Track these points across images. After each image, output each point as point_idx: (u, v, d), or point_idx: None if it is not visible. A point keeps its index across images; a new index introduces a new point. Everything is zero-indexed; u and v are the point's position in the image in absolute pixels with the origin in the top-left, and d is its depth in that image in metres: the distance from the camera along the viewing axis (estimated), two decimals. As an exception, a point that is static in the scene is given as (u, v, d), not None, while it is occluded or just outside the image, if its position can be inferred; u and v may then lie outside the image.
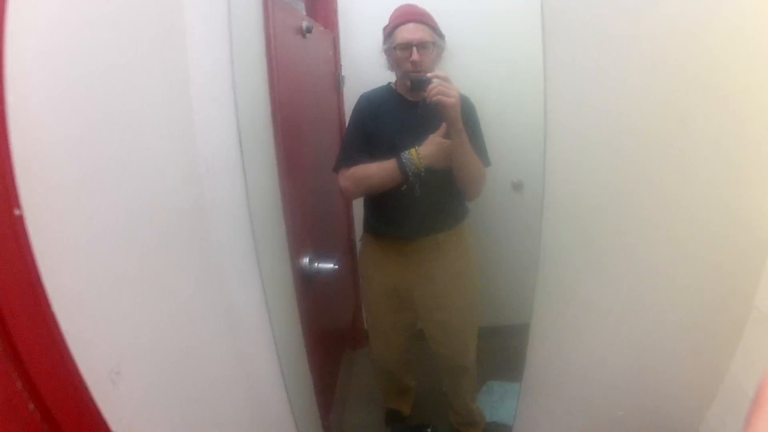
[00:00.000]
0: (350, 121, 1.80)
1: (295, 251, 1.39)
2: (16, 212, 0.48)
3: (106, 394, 0.64)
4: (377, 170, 1.67)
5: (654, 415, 1.44)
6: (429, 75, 1.53)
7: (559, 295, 1.26)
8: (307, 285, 1.51)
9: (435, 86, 1.48)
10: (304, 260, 1.50)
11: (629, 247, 1.21)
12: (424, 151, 1.60)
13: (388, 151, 1.66)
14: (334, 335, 2.27)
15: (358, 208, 2.02)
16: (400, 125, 1.69)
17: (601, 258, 1.22)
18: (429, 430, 2.05)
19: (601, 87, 1.08)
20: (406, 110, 1.71)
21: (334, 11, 2.22)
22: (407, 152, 1.61)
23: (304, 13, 2.03)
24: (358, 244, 2.02)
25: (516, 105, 2.10)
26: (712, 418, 1.38)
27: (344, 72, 2.34)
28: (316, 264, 1.54)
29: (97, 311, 0.65)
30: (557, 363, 1.35)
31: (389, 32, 1.66)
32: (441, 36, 1.67)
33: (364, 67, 2.14)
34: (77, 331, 0.60)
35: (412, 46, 1.60)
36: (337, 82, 2.35)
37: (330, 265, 1.57)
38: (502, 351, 1.93)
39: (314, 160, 1.83)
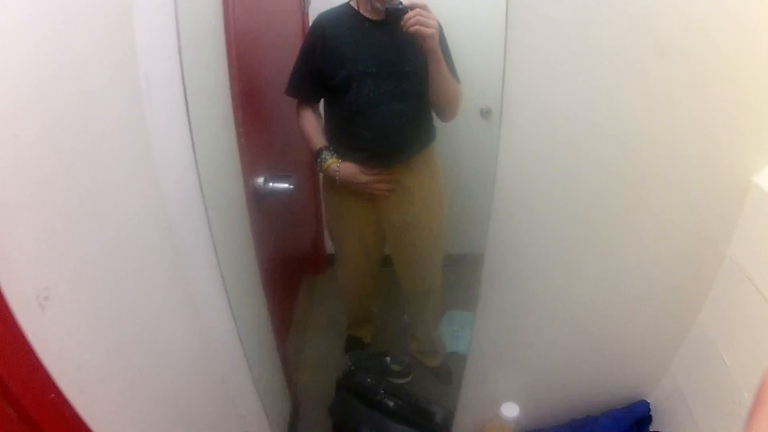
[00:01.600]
0: (302, 46, 1.75)
1: (249, 170, 1.39)
2: None
3: (34, 319, 0.64)
4: (305, 135, 1.83)
5: (615, 360, 1.50)
6: (405, 3, 1.49)
7: (515, 227, 1.26)
8: (260, 205, 1.52)
9: (412, 16, 1.45)
10: (258, 180, 1.50)
11: (596, 181, 1.19)
12: (342, 171, 1.77)
13: (348, 80, 1.64)
14: (291, 259, 2.31)
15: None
16: (362, 49, 1.65)
17: (563, 190, 1.21)
18: (387, 358, 2.14)
19: (572, 6, 1.00)
20: (368, 32, 1.65)
21: None
22: (328, 158, 1.78)
23: None
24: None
25: (485, 29, 2.13)
26: (676, 368, 1.46)
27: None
28: (271, 184, 1.55)
29: (24, 228, 0.65)
30: (512, 296, 1.37)
31: None
32: None
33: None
34: (1, 248, 0.59)
35: None
36: (301, 1, 2.28)
37: (285, 185, 1.58)
38: (463, 280, 2.01)
39: (273, 78, 1.80)
